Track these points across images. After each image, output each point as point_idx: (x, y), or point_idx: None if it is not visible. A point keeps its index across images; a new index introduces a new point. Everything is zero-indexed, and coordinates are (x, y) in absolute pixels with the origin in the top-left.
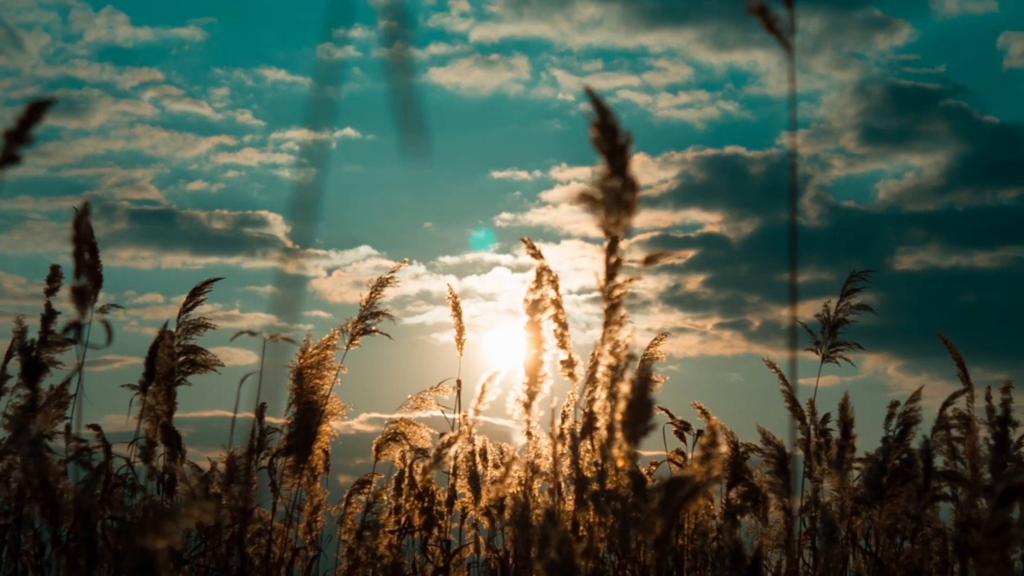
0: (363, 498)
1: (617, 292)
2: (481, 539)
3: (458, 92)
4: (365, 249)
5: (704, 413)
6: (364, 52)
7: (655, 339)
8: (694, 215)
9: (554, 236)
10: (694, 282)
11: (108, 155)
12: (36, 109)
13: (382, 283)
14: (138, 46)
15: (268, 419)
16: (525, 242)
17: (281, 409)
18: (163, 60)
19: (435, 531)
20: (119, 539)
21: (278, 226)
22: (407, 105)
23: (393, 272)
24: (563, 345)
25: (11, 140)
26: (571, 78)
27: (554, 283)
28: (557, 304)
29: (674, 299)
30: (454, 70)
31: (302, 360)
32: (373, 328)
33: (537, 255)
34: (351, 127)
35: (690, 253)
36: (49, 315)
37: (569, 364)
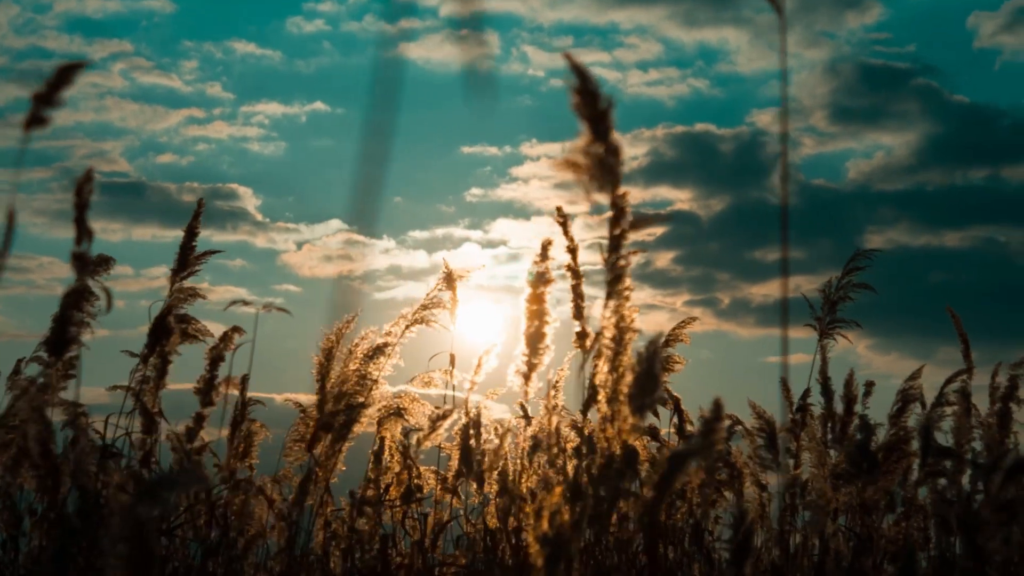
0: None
1: (621, 263)
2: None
3: (428, 67)
4: (335, 223)
5: (668, 392)
6: (334, 26)
7: (682, 322)
8: (664, 192)
9: (524, 212)
10: (664, 259)
11: (78, 127)
12: (66, 72)
13: (449, 277)
14: (107, 17)
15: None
16: (558, 209)
17: (265, 384)
18: (132, 32)
19: (414, 505)
20: (105, 507)
21: (248, 199)
22: (479, 80)
23: (468, 270)
24: (579, 316)
25: (39, 102)
26: (541, 54)
27: (574, 254)
28: (577, 274)
29: (644, 276)
30: (424, 45)
31: (359, 344)
32: (432, 319)
33: (564, 224)
34: (321, 101)
35: (660, 229)
36: (81, 291)
37: (583, 336)
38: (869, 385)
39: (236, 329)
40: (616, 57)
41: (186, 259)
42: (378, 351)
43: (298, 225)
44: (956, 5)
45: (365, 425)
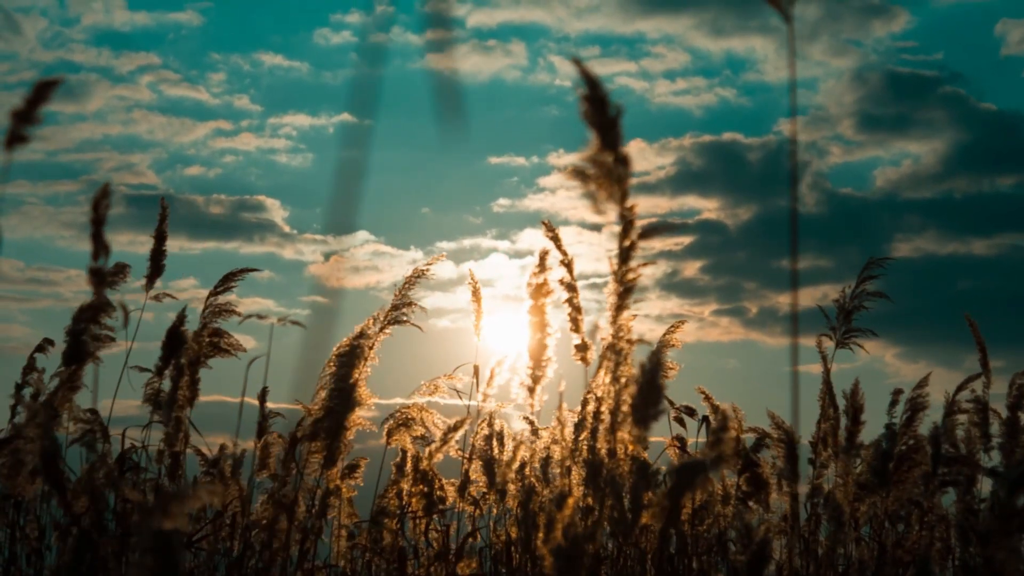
0: (353, 482)
1: (631, 276)
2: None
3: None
4: (363, 234)
5: (707, 398)
6: (361, 38)
7: (672, 326)
8: (691, 201)
9: (551, 222)
10: (691, 268)
11: (105, 139)
12: (43, 89)
13: (417, 275)
14: (135, 31)
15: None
16: (545, 224)
17: (281, 395)
18: (160, 45)
19: (436, 516)
20: (128, 520)
21: (276, 211)
22: (448, 90)
23: (429, 264)
24: (577, 329)
25: (19, 120)
26: (568, 64)
27: (569, 267)
28: (572, 288)
29: (671, 285)
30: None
31: (338, 347)
32: (404, 319)
33: (555, 238)
34: (348, 112)
35: (687, 239)
36: (97, 305)
37: (583, 348)
38: (896, 394)
39: (183, 312)
40: (643, 67)
41: (158, 264)
42: (353, 353)
43: (325, 236)
44: (983, 13)
45: (353, 433)
